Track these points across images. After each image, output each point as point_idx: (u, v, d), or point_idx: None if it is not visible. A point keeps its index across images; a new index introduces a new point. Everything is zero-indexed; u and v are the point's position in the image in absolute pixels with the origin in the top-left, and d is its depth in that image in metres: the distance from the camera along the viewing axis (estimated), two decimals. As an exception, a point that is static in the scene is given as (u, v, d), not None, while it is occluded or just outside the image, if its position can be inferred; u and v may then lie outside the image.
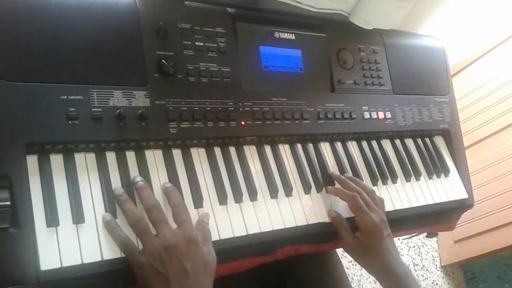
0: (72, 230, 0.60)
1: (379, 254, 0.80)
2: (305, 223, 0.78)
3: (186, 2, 0.78)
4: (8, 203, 0.56)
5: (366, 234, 0.80)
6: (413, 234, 1.09)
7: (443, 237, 2.14)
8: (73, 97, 0.63)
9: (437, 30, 1.17)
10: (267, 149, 0.81)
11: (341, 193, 0.82)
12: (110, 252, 0.61)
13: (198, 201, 0.70)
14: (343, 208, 0.83)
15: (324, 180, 0.84)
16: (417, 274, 2.07)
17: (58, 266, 0.57)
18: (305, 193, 0.81)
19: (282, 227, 0.75)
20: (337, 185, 0.85)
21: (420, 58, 1.06)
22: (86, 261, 0.59)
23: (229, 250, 0.71)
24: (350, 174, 0.88)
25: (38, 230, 0.58)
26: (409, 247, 2.11)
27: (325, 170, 0.85)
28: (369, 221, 0.79)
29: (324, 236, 0.83)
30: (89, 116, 0.64)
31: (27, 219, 0.57)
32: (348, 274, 1.88)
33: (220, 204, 0.72)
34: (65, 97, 0.63)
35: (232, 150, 0.78)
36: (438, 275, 2.13)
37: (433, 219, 1.00)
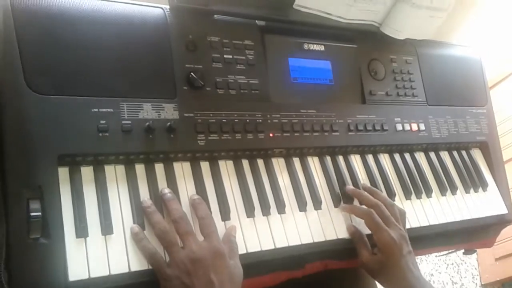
0: (101, 241, 0.61)
1: (399, 273, 0.76)
2: (334, 237, 0.76)
3: (215, 16, 0.78)
4: (40, 213, 0.57)
5: (385, 252, 0.76)
6: (450, 251, 1.05)
7: (483, 255, 2.05)
8: (104, 110, 0.65)
9: (474, 40, 1.14)
10: (296, 161, 0.80)
11: (355, 211, 0.79)
12: (137, 263, 0.61)
13: (225, 214, 0.70)
14: (363, 223, 0.79)
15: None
16: (456, 293, 1.99)
17: (86, 277, 0.58)
18: (335, 207, 0.79)
19: (310, 241, 0.74)
20: (355, 201, 0.81)
21: (455, 69, 1.03)
22: (113, 272, 0.59)
23: (256, 263, 0.70)
24: (382, 187, 0.85)
25: (68, 241, 0.59)
26: (447, 264, 2.04)
27: (355, 183, 0.83)
28: (387, 238, 0.75)
29: (354, 251, 0.80)
30: (119, 129, 0.65)
31: (57, 230, 0.58)
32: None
33: (248, 216, 0.72)
34: (96, 110, 0.64)
35: (260, 162, 0.77)
36: (478, 294, 2.04)
37: (470, 235, 0.96)
